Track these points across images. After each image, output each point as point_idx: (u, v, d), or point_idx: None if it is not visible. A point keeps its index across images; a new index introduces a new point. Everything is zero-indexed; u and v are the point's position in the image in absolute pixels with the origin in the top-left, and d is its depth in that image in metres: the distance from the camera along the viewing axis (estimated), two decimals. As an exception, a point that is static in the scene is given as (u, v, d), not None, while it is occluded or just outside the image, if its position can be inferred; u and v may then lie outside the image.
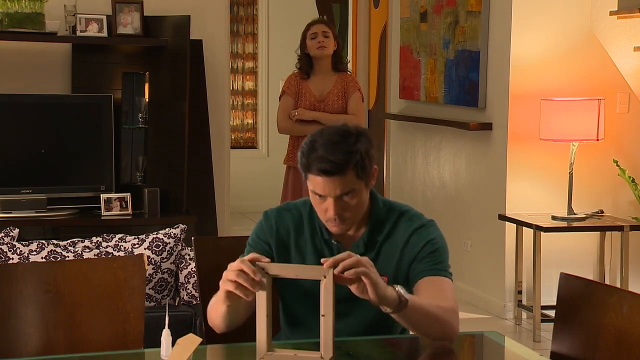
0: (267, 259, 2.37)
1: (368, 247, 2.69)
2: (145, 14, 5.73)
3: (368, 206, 2.70)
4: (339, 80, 5.74)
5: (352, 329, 2.69)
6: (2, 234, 4.03)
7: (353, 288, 2.32)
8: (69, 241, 4.04)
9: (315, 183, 2.56)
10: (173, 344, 2.32)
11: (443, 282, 2.63)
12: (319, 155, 2.52)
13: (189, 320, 3.91)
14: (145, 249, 4.04)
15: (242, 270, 2.31)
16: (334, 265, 2.31)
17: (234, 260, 2.77)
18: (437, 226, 2.74)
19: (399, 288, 2.40)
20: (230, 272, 2.34)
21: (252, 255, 2.37)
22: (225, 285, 2.36)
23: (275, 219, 2.74)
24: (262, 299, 2.34)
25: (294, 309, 2.76)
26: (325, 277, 2.28)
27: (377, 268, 2.62)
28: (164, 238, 4.08)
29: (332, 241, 2.69)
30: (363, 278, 2.31)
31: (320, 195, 2.57)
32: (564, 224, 5.62)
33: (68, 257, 3.94)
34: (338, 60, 5.78)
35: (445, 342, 2.57)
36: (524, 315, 5.94)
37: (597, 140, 5.60)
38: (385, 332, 2.73)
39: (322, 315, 2.29)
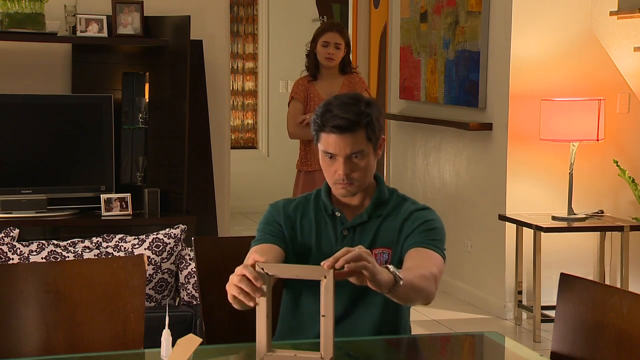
0: (265, 259, 2.37)
1: (371, 218, 2.77)
2: (145, 14, 5.73)
3: (374, 186, 2.80)
4: (347, 82, 5.70)
5: (356, 329, 2.71)
6: (3, 234, 4.03)
7: (352, 279, 2.33)
8: (69, 241, 4.04)
9: (327, 142, 2.68)
10: (173, 344, 2.32)
11: (433, 254, 2.68)
12: (333, 114, 2.67)
13: (189, 321, 3.91)
14: (145, 249, 4.04)
15: (244, 276, 2.32)
16: (335, 267, 2.30)
17: (234, 260, 2.77)
18: (437, 213, 2.82)
19: (392, 269, 2.42)
20: (234, 277, 2.36)
21: (253, 257, 2.38)
22: (230, 289, 2.38)
23: (282, 204, 2.85)
24: (262, 299, 2.33)
25: (296, 308, 2.76)
26: (325, 277, 2.28)
27: (380, 240, 2.73)
28: (164, 238, 4.08)
29: (336, 212, 2.77)
30: (363, 271, 2.32)
31: (331, 156, 2.69)
32: (564, 224, 5.62)
33: (68, 257, 3.94)
34: (345, 64, 5.72)
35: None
36: (524, 315, 5.94)
37: (597, 140, 5.60)
38: (389, 333, 2.74)
39: (323, 316, 2.29)
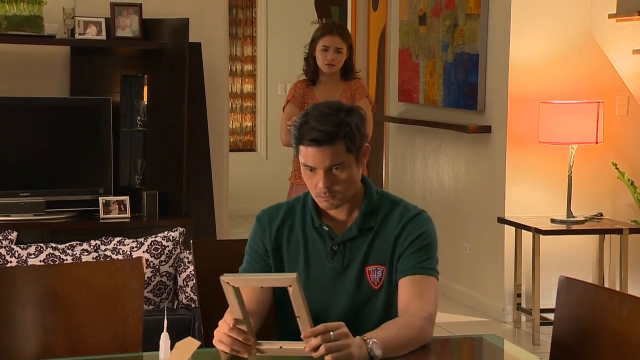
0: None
1: (361, 233, 2.70)
2: (144, 17, 5.72)
3: (361, 192, 2.73)
4: (347, 88, 5.23)
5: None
6: (1, 237, 4.03)
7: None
8: (67, 244, 4.03)
9: (306, 155, 2.61)
10: (171, 348, 2.32)
11: (427, 282, 2.64)
12: (310, 126, 2.59)
13: (187, 324, 3.91)
14: (143, 252, 4.04)
15: (234, 337, 2.37)
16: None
17: (232, 264, 2.78)
18: (429, 217, 2.75)
19: (370, 345, 2.38)
20: (225, 326, 2.38)
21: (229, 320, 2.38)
22: (221, 337, 2.40)
23: (268, 219, 2.78)
24: (236, 312, 2.35)
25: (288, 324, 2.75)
26: (291, 285, 2.27)
27: (373, 256, 2.68)
28: (163, 241, 4.08)
29: (324, 227, 2.71)
30: None
31: (311, 169, 2.62)
32: (563, 226, 5.62)
33: (66, 260, 3.93)
34: (347, 70, 5.24)
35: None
36: (523, 318, 5.94)
37: (596, 143, 5.60)
38: None
39: (298, 317, 2.30)
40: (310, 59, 5.24)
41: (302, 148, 2.61)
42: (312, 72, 5.25)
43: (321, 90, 5.24)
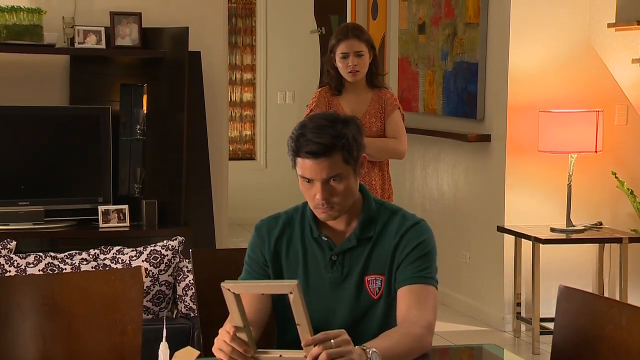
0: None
1: (360, 242, 2.69)
2: (143, 26, 5.72)
3: (360, 202, 2.72)
4: (376, 98, 4.81)
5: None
6: (0, 246, 4.03)
7: None
8: (66, 253, 4.03)
9: (303, 167, 2.60)
10: (171, 357, 2.31)
11: (426, 291, 2.64)
12: (307, 138, 2.58)
13: (186, 333, 3.90)
14: (143, 261, 4.04)
15: (234, 347, 2.36)
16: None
17: (232, 273, 2.77)
18: (428, 226, 2.75)
19: (370, 354, 2.37)
20: (225, 335, 2.38)
21: (233, 328, 2.38)
22: (221, 345, 2.40)
23: (267, 229, 2.77)
24: (236, 319, 2.35)
25: (288, 333, 2.75)
26: (292, 292, 2.27)
27: (372, 266, 2.67)
28: (162, 250, 4.08)
29: (323, 237, 2.71)
30: None
31: (308, 181, 2.61)
32: (562, 235, 5.61)
33: (65, 269, 3.93)
34: (373, 74, 4.82)
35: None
36: (523, 327, 5.93)
37: (596, 152, 5.60)
38: None
39: (298, 325, 2.30)
40: (331, 70, 4.80)
41: (299, 160, 2.60)
42: (336, 82, 4.80)
43: (348, 99, 4.82)
